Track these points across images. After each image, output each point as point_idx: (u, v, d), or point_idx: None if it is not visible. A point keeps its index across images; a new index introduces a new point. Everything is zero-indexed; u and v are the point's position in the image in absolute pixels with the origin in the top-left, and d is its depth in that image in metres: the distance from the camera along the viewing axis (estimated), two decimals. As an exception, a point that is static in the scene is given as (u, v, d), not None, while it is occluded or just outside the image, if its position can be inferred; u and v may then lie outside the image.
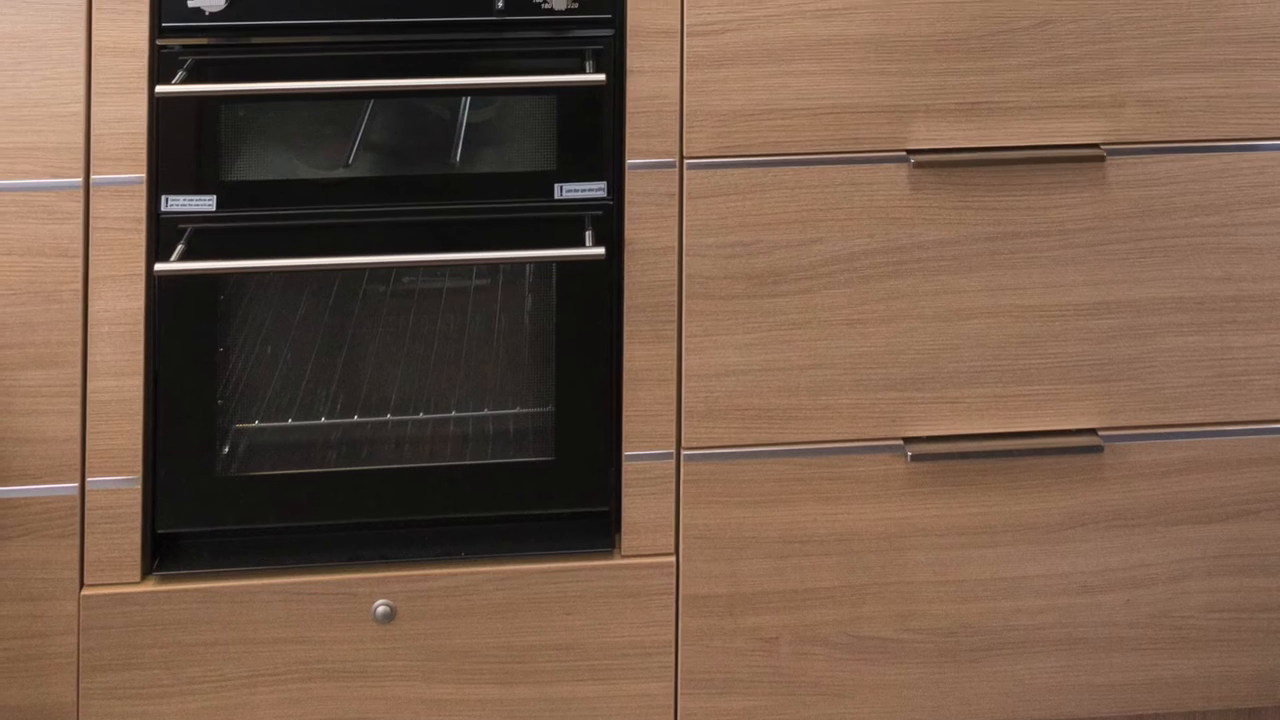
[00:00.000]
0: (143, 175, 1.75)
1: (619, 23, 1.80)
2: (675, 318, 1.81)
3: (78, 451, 1.75)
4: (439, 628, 1.80)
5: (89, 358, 1.75)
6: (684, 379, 1.82)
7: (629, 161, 1.80)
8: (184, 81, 1.74)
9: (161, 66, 1.76)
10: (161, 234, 1.76)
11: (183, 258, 1.75)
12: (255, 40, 1.78)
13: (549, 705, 1.82)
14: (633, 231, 1.80)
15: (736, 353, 1.82)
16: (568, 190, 1.80)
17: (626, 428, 1.81)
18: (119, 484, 1.76)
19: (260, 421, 1.88)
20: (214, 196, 1.77)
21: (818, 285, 1.82)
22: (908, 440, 1.84)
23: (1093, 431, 1.86)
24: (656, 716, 1.84)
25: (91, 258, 1.75)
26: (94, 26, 1.74)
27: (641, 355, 1.81)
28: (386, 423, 1.90)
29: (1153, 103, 1.84)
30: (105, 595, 1.76)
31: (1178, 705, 1.91)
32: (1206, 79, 1.84)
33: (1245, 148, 1.85)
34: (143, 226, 1.75)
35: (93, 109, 1.75)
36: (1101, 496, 1.87)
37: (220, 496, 1.79)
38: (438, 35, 1.79)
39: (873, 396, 1.84)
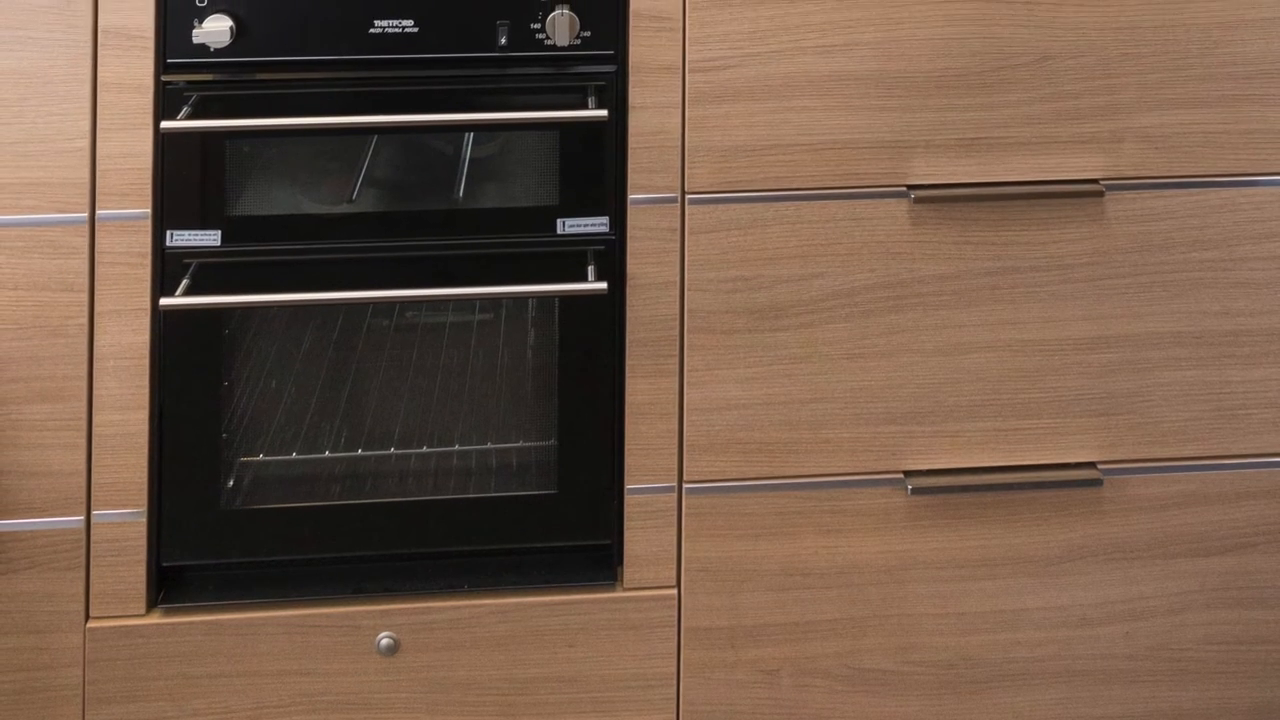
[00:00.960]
0: (148, 210, 1.76)
1: (621, 59, 1.81)
2: (677, 352, 1.82)
3: (83, 485, 1.77)
4: (442, 660, 1.81)
5: (94, 392, 1.76)
6: (685, 413, 1.83)
7: (631, 197, 1.81)
8: (189, 117, 1.75)
9: (166, 102, 1.77)
10: (166, 268, 1.77)
11: (188, 292, 1.75)
12: (260, 76, 1.78)
13: (551, 737, 1.84)
14: (635, 266, 1.81)
15: (737, 387, 1.83)
16: (570, 225, 1.81)
17: (628, 461, 1.82)
18: (124, 517, 1.77)
19: (265, 455, 1.89)
20: (219, 231, 1.78)
21: (818, 320, 1.83)
22: (908, 474, 1.85)
23: (1092, 465, 1.87)
24: (658, 748, 1.85)
25: (97, 292, 1.76)
26: (100, 63, 1.75)
27: (643, 389, 1.82)
28: (390, 456, 1.91)
29: (1152, 138, 1.85)
30: (110, 628, 1.77)
31: (1176, 737, 1.93)
32: (1205, 115, 1.85)
33: (1243, 183, 1.87)
34: (148, 261, 1.76)
35: (98, 145, 1.76)
36: (1101, 529, 1.88)
37: (225, 529, 1.80)
38: (441, 71, 1.80)
39: (873, 430, 1.85)
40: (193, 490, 1.79)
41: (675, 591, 1.84)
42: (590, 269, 1.80)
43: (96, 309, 1.76)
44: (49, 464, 1.76)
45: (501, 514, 1.83)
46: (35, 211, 1.75)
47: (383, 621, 1.80)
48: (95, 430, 1.76)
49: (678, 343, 1.82)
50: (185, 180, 1.77)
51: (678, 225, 1.82)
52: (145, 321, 1.77)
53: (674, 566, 1.84)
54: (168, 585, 1.81)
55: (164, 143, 1.77)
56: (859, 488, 1.85)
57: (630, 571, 1.83)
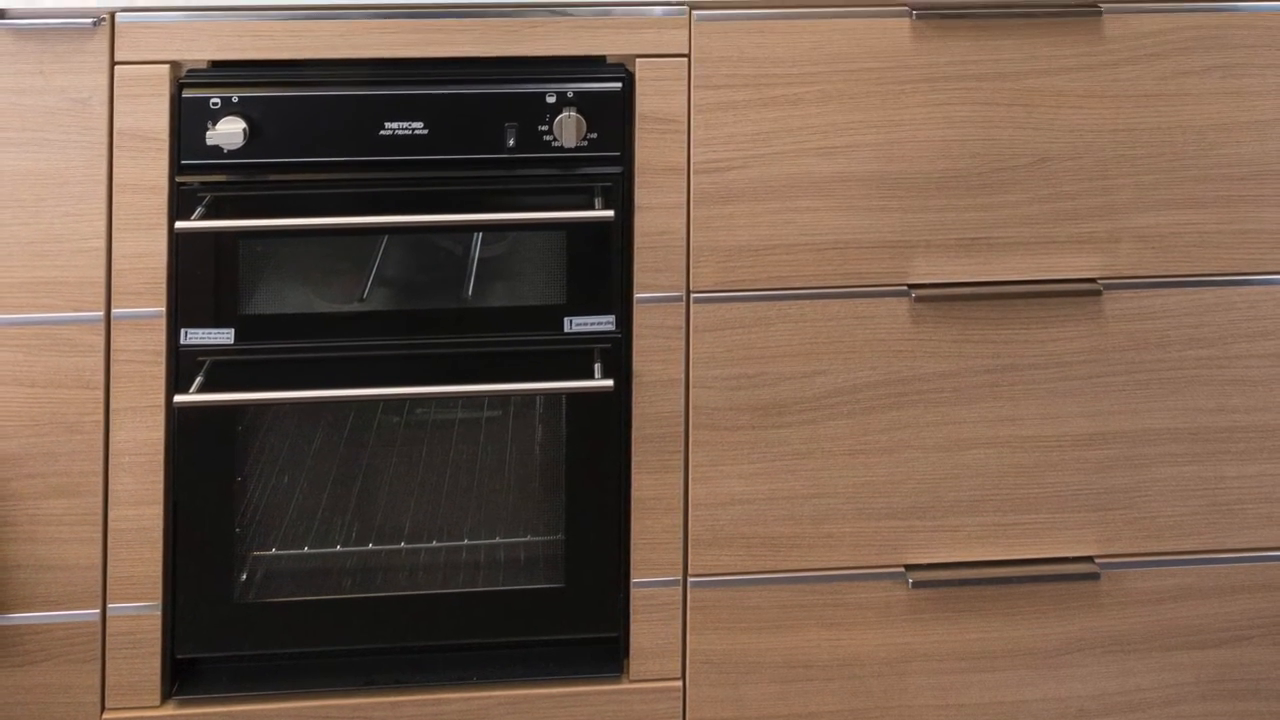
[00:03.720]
0: (162, 309, 1.79)
1: (627, 160, 1.84)
2: (682, 448, 1.85)
3: (99, 578, 1.80)
4: (451, 751, 1.84)
5: (110, 487, 1.79)
6: (690, 508, 1.86)
7: (637, 295, 1.84)
8: (203, 217, 1.78)
9: (181, 203, 1.79)
10: (181, 366, 1.80)
11: (201, 389, 1.78)
12: (272, 177, 1.81)
13: (559, 826, 1.87)
14: (640, 364, 1.84)
15: (741, 482, 1.86)
16: (577, 324, 1.84)
17: (634, 555, 1.85)
18: (139, 610, 1.80)
19: (277, 549, 1.92)
20: (232, 329, 1.81)
21: (821, 416, 1.86)
22: (909, 567, 1.88)
23: (1090, 559, 1.90)
24: (664, 837, 1.88)
25: (112, 389, 1.79)
26: (115, 164, 1.78)
27: (649, 485, 1.85)
28: (400, 550, 1.93)
29: (1148, 238, 1.88)
30: (126, 719, 1.80)
31: (1173, 827, 1.95)
32: (1200, 215, 1.89)
33: (1238, 282, 1.90)
34: (162, 359, 1.79)
35: (114, 244, 1.79)
36: (1098, 622, 1.91)
37: (238, 622, 1.82)
38: (451, 172, 1.82)
39: (874, 525, 1.88)
40: (206, 583, 1.81)
41: (680, 683, 1.87)
42: (597, 367, 1.83)
43: (112, 406, 1.79)
44: (65, 558, 1.79)
45: (510, 607, 1.85)
46: (52, 310, 1.78)
47: (393, 713, 1.83)
48: (110, 525, 1.80)
49: (683, 439, 1.85)
50: (199, 279, 1.80)
51: (683, 324, 1.85)
52: (160, 418, 1.80)
53: (679, 659, 1.87)
54: (182, 677, 1.84)
55: (178, 242, 1.80)
56: (861, 581, 1.88)
57: (636, 664, 1.86)
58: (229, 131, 1.78)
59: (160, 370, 1.80)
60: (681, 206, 1.84)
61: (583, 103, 1.82)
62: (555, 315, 1.84)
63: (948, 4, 1.85)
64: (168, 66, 1.79)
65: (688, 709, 1.87)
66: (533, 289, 1.91)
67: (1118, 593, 1.91)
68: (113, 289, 1.79)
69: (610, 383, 1.81)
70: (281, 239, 1.86)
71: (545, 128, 1.82)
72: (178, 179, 1.80)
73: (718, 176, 1.84)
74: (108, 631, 1.80)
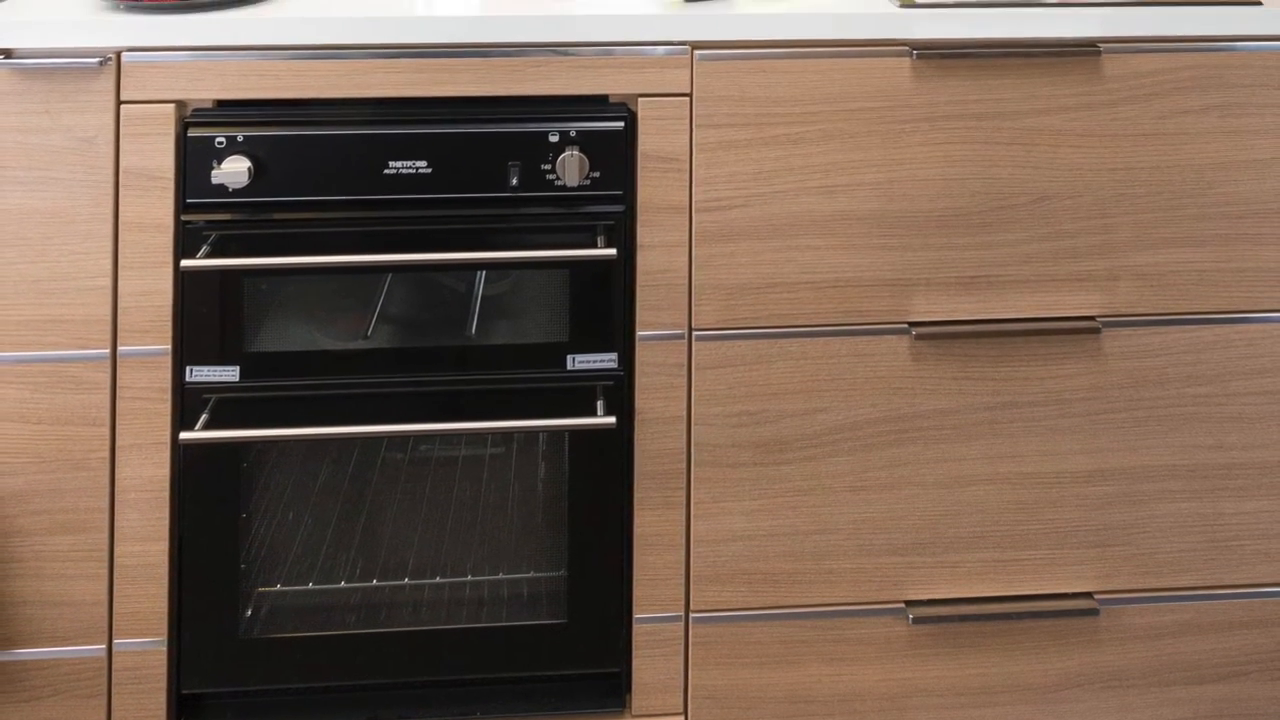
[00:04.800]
0: (168, 346, 1.80)
1: (630, 199, 1.85)
2: (684, 485, 1.86)
3: (105, 614, 1.81)
4: (455, 785, 1.86)
5: (116, 523, 1.81)
6: (692, 544, 1.87)
7: (639, 333, 1.85)
8: (208, 256, 1.79)
9: (186, 241, 1.81)
10: (186, 403, 1.81)
11: (207, 427, 1.80)
12: (277, 216, 1.82)
13: None
14: (643, 401, 1.85)
15: (743, 519, 1.87)
16: (580, 361, 1.85)
17: (637, 591, 1.87)
18: (145, 646, 1.81)
19: (282, 585, 1.93)
20: (237, 367, 1.82)
21: (822, 453, 1.87)
22: (909, 603, 1.89)
23: (1089, 595, 1.91)
24: None
25: (118, 427, 1.80)
26: (121, 203, 1.80)
27: (651, 521, 1.86)
28: (404, 586, 1.95)
29: (1146, 276, 1.89)
30: (131, 754, 1.81)
31: None
32: (1198, 253, 1.90)
33: (1236, 320, 1.91)
34: (168, 396, 1.81)
35: (120, 282, 1.80)
36: (1097, 658, 1.92)
37: (243, 658, 1.84)
38: (454, 211, 1.83)
39: (875, 561, 1.89)
40: (212, 619, 1.83)
41: (682, 718, 1.88)
42: (599, 404, 1.84)
43: (118, 443, 1.80)
44: (71, 594, 1.80)
45: (513, 643, 1.87)
46: (58, 348, 1.79)
47: (397, 748, 1.85)
48: (116, 561, 1.81)
49: (685, 475, 1.86)
50: (204, 317, 1.81)
51: (685, 361, 1.86)
52: (165, 455, 1.81)
53: (681, 694, 1.88)
54: (187, 712, 1.85)
55: (184, 280, 1.81)
56: (862, 617, 1.89)
57: (639, 699, 1.87)
58: (234, 170, 1.79)
59: (166, 407, 1.81)
60: (683, 245, 1.85)
61: (585, 142, 1.84)
62: (558, 352, 1.85)
63: (948, 44, 1.86)
64: (173, 106, 1.80)
65: (690, 744, 1.89)
66: (536, 326, 1.92)
67: (1116, 628, 1.92)
68: (119, 327, 1.80)
69: (613, 420, 1.82)
70: (286, 277, 1.87)
71: (548, 166, 1.83)
72: (183, 217, 1.81)
73: (719, 215, 1.85)
74: (114, 667, 1.81)
